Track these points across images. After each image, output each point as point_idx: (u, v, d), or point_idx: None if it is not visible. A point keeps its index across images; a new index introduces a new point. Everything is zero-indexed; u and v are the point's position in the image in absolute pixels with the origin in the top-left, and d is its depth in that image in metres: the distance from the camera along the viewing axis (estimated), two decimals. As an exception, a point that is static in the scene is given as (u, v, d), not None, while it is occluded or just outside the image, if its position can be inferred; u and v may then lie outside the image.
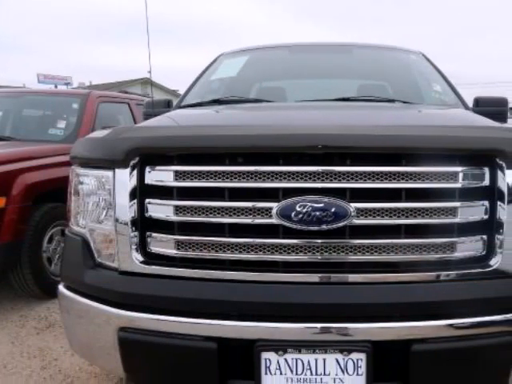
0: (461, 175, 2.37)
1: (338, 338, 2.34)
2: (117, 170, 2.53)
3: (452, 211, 2.37)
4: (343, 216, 2.30)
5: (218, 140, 2.44)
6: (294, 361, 2.36)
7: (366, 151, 2.38)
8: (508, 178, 2.36)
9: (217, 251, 2.43)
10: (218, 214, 2.41)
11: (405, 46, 5.60)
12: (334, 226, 2.31)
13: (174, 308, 2.42)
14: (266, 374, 2.37)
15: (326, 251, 2.36)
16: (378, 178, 2.35)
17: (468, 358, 2.41)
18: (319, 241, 2.35)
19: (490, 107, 4.08)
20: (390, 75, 5.02)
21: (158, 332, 2.44)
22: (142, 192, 2.51)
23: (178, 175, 2.45)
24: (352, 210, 2.30)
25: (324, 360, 2.35)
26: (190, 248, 2.47)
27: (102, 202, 2.63)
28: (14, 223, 5.41)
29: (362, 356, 2.33)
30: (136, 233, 2.51)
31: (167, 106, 4.65)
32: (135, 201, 2.50)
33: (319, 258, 2.37)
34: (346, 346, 2.33)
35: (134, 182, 2.50)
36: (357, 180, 2.35)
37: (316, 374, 2.36)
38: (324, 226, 2.30)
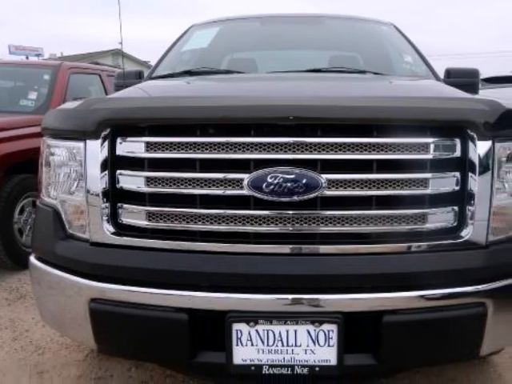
0: (432, 146, 2.42)
1: (309, 309, 2.40)
2: (88, 142, 2.58)
3: (423, 182, 2.43)
4: (314, 187, 2.36)
5: (188, 111, 2.48)
6: (266, 332, 2.42)
7: (337, 122, 2.44)
8: (479, 149, 2.43)
9: (188, 222, 2.49)
10: (189, 185, 2.46)
11: (376, 18, 5.65)
12: (306, 197, 2.36)
13: (145, 279, 2.48)
14: (237, 345, 2.43)
15: (297, 222, 2.42)
16: (349, 150, 2.40)
17: (439, 329, 2.49)
18: (290, 212, 2.40)
19: (461, 78, 4.12)
20: (361, 46, 5.07)
21: (128, 303, 2.50)
22: (113, 163, 2.56)
23: (149, 146, 2.50)
24: (323, 181, 2.36)
25: (295, 331, 2.42)
26: (161, 219, 2.52)
27: (73, 173, 2.68)
28: (-16, 194, 5.51)
29: (334, 327, 2.40)
30: (107, 204, 2.56)
31: (138, 77, 4.69)
32: (106, 172, 2.55)
33: (290, 229, 2.43)
34: (317, 318, 2.40)
35: (105, 153, 2.54)
36: (328, 151, 2.40)
37: (287, 346, 2.43)
38: (295, 197, 2.36)
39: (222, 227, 2.47)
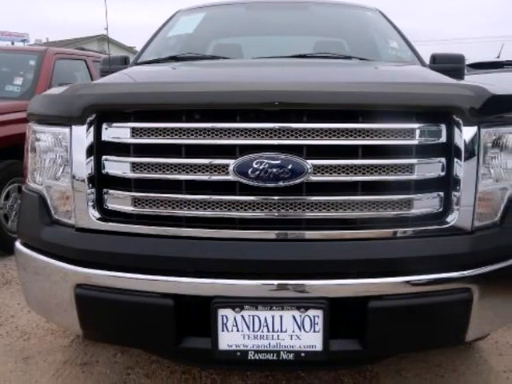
0: (417, 132, 2.45)
1: (294, 294, 2.43)
2: (73, 127, 2.60)
3: (409, 168, 2.46)
4: (300, 173, 2.39)
5: (174, 97, 2.51)
6: (251, 318, 2.46)
7: (323, 108, 2.46)
8: (465, 135, 2.46)
9: (173, 208, 2.51)
10: (175, 170, 2.49)
11: (361, 3, 5.65)
12: (291, 182, 2.39)
13: (131, 265, 2.51)
14: (222, 330, 2.46)
15: (282, 208, 2.45)
16: (334, 135, 2.43)
17: (424, 314, 2.52)
18: (276, 197, 2.43)
19: (446, 64, 4.14)
20: (346, 32, 5.10)
21: (114, 289, 2.52)
22: (98, 149, 2.58)
23: (135, 132, 2.52)
24: (309, 166, 2.39)
25: (281, 317, 2.45)
26: (146, 205, 2.55)
27: (59, 158, 2.70)
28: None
29: (319, 313, 2.43)
30: (93, 190, 2.58)
31: (124, 62, 4.68)
32: (92, 158, 2.57)
33: (276, 214, 2.46)
34: (302, 303, 2.43)
35: (90, 138, 2.56)
36: (314, 137, 2.42)
37: (273, 331, 2.47)
38: (281, 183, 2.39)
39: (208, 213, 2.49)
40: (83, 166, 2.58)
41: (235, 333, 2.47)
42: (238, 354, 2.50)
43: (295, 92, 2.46)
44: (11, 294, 5.06)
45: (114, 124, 2.57)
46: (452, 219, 2.50)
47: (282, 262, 2.45)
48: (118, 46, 49.19)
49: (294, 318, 2.45)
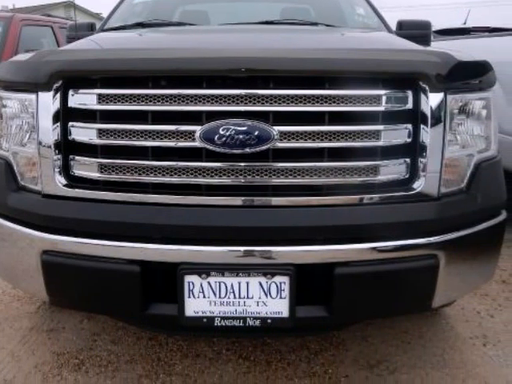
0: (384, 98, 2.48)
1: (261, 261, 2.47)
2: (40, 94, 2.61)
3: (375, 134, 2.49)
4: (266, 139, 2.41)
5: (140, 63, 2.52)
6: (218, 284, 2.49)
7: (289, 74, 2.48)
8: (431, 101, 2.49)
9: (140, 174, 2.54)
10: (141, 137, 2.50)
11: None
12: (258, 149, 2.42)
13: (97, 231, 2.53)
14: (189, 297, 2.50)
15: (249, 174, 2.48)
16: (301, 102, 2.45)
17: (391, 281, 2.57)
18: (242, 164, 2.46)
19: (413, 30, 4.17)
20: None
21: (80, 255, 2.55)
22: (65, 115, 2.59)
23: (101, 98, 2.54)
24: (275, 133, 2.41)
25: (247, 283, 2.49)
26: (113, 171, 2.57)
27: (26, 125, 2.71)
28: None
29: (285, 279, 2.46)
30: (59, 156, 2.60)
31: (90, 29, 4.70)
32: (58, 124, 2.58)
33: (242, 181, 2.48)
34: (269, 270, 2.47)
35: (57, 105, 2.58)
36: (280, 103, 2.44)
37: (239, 298, 2.50)
38: (247, 149, 2.41)
39: (174, 179, 2.51)
40: (49, 132, 2.59)
41: (201, 299, 2.50)
42: (205, 320, 2.53)
43: (262, 58, 2.48)
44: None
45: (81, 90, 2.58)
46: (418, 185, 2.54)
47: (249, 228, 2.48)
48: (85, 12, 49.37)
49: (260, 284, 2.48)
